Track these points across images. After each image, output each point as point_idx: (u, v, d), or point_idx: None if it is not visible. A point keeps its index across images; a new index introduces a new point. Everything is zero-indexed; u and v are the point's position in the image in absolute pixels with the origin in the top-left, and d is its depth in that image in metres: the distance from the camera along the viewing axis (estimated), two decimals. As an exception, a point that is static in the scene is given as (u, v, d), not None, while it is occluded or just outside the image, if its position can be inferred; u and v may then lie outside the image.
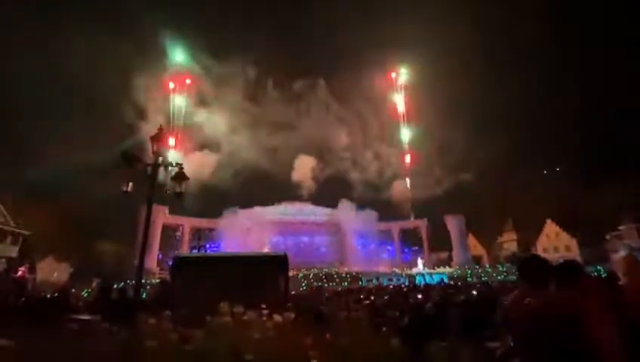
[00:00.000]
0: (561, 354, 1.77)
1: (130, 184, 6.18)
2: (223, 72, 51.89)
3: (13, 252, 30.21)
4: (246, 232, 35.40)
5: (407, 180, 53.34)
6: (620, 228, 44.40)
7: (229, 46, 54.27)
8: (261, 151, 51.47)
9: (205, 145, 48.59)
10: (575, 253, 44.81)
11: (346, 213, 43.25)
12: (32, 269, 28.76)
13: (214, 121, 50.34)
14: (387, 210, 46.34)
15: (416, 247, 47.24)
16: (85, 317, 2.66)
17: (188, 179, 6.35)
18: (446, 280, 29.22)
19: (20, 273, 21.44)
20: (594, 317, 1.71)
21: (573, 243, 47.65)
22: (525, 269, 2.20)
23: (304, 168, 50.69)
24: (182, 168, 6.41)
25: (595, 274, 20.74)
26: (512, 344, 2.35)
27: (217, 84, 51.82)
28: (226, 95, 51.83)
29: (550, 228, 50.57)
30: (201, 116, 50.50)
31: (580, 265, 2.32)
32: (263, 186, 44.87)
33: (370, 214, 44.37)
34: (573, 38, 67.73)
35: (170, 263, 6.26)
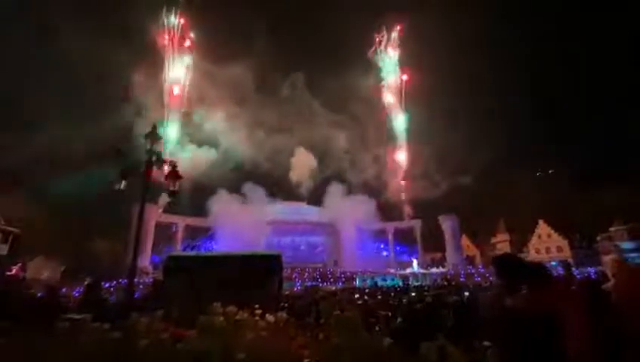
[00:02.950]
0: (536, 353, 1.79)
1: (124, 182, 6.12)
2: (216, 72, 51.42)
3: (3, 250, 29.78)
4: (240, 231, 35.23)
5: (403, 182, 53.39)
6: (611, 229, 45.07)
7: (223, 47, 53.41)
8: (258, 151, 51.02)
9: (201, 143, 48.15)
10: (567, 254, 45.39)
11: (341, 210, 42.91)
12: (23, 268, 28.36)
13: (210, 120, 49.98)
14: (382, 210, 46.37)
15: (411, 247, 47.48)
16: (76, 316, 2.63)
17: (182, 177, 6.31)
18: (439, 280, 29.45)
19: (14, 271, 21.10)
20: (566, 317, 1.72)
21: (565, 244, 48.23)
22: (500, 268, 2.19)
23: (302, 165, 50.26)
24: (176, 166, 6.37)
25: (586, 275, 21.06)
26: (489, 343, 2.37)
27: (212, 84, 51.39)
28: (221, 96, 51.41)
29: (542, 229, 51.15)
30: (198, 114, 50.09)
31: (569, 264, 2.35)
32: (259, 185, 44.43)
33: (368, 204, 43.79)
34: (569, 40, 68.56)
35: (163, 262, 6.23)
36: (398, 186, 53.29)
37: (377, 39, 59.00)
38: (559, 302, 1.79)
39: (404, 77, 56.59)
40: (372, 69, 59.07)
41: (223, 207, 38.96)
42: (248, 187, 42.25)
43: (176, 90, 48.34)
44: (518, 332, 1.82)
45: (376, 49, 59.04)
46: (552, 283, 2.07)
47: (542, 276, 2.08)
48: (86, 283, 5.70)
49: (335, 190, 45.95)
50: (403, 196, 52.32)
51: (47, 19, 47.26)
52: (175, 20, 49.37)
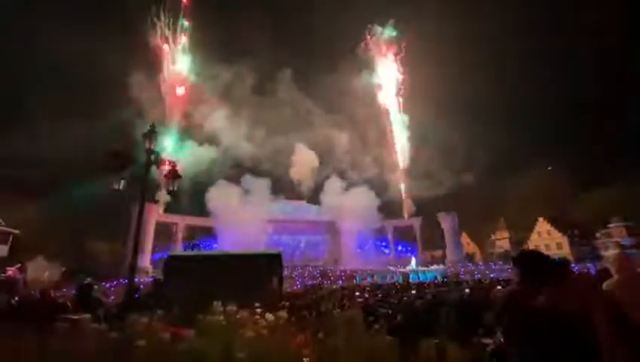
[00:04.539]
0: (560, 351, 1.76)
1: (123, 182, 6.10)
2: (215, 71, 51.13)
3: (3, 251, 29.74)
4: (241, 230, 35.20)
5: (403, 181, 53.22)
6: (609, 226, 45.16)
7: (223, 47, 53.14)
8: (258, 150, 50.55)
9: (201, 141, 47.81)
10: (566, 251, 45.48)
11: (341, 204, 42.63)
12: (22, 269, 28.31)
13: (210, 119, 49.66)
14: (382, 209, 46.27)
15: (411, 245, 47.52)
16: (74, 316, 2.62)
17: (181, 177, 6.30)
18: (439, 278, 29.55)
19: (9, 273, 21.05)
20: (598, 314, 1.70)
21: (565, 241, 48.34)
22: (524, 265, 2.12)
23: (303, 162, 49.74)
24: (175, 165, 6.35)
25: (586, 271, 21.12)
26: (502, 339, 2.36)
27: (211, 83, 51.15)
28: (221, 95, 51.15)
29: (542, 226, 51.25)
30: (198, 113, 49.82)
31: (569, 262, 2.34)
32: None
33: (369, 196, 43.37)
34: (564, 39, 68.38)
35: (164, 261, 6.23)
36: (398, 184, 53.20)
37: (371, 35, 58.54)
38: (593, 299, 1.77)
39: (401, 74, 56.39)
40: (370, 67, 58.78)
41: (221, 198, 38.37)
42: (248, 180, 41.52)
43: (175, 89, 48.23)
44: (554, 331, 1.78)
45: (368, 45, 58.60)
46: (579, 279, 2.04)
47: (568, 272, 2.06)
48: (78, 284, 5.70)
49: (333, 183, 45.67)
50: (403, 194, 52.27)
51: (43, 18, 47.00)
52: (171, 18, 49.20)
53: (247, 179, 41.64)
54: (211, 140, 47.57)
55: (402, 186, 52.88)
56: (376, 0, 64.13)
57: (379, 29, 58.13)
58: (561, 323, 1.75)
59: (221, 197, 38.51)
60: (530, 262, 2.09)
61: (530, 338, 1.89)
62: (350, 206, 41.70)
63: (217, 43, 52.61)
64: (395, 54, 57.20)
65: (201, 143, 46.70)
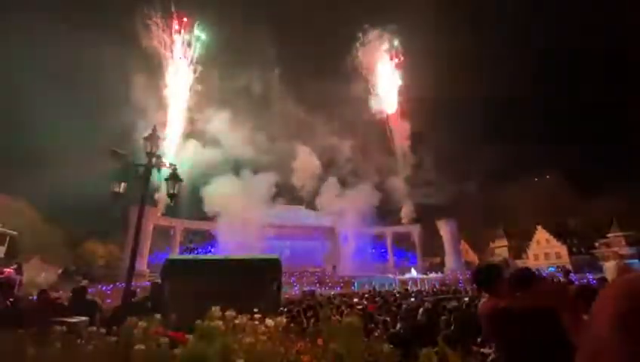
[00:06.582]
0: (533, 348, 1.86)
1: (123, 185, 6.09)
2: (217, 78, 51.24)
3: (0, 252, 29.56)
4: (240, 234, 35.08)
5: (403, 188, 53.10)
6: (608, 235, 45.09)
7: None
8: (259, 156, 50.37)
9: (203, 145, 47.62)
10: (565, 260, 45.33)
11: (340, 204, 42.47)
12: (19, 270, 28.11)
13: (212, 123, 49.58)
14: (381, 215, 46.21)
15: (410, 252, 47.35)
16: (72, 319, 2.60)
17: (182, 180, 6.29)
18: (437, 285, 29.42)
19: (5, 273, 20.97)
20: (561, 308, 1.78)
21: (564, 249, 48.19)
22: (480, 277, 2.29)
23: (304, 166, 49.51)
24: (176, 169, 6.35)
25: (585, 281, 21.03)
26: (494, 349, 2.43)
27: (213, 89, 51.20)
28: (223, 101, 51.14)
29: (541, 234, 51.13)
30: (200, 116, 49.78)
31: (568, 270, 2.40)
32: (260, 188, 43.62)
33: (368, 193, 43.37)
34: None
35: (162, 265, 6.19)
36: (398, 191, 53.09)
37: (365, 40, 58.69)
38: (552, 296, 1.84)
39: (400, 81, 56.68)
40: (370, 73, 58.84)
41: (220, 194, 38.10)
42: (248, 177, 41.28)
43: (177, 92, 48.31)
44: (519, 331, 1.89)
45: (367, 52, 58.75)
46: (540, 281, 2.17)
47: (527, 279, 2.27)
48: (73, 287, 5.66)
49: (331, 185, 45.53)
50: (402, 201, 52.21)
51: (43, 19, 47.04)
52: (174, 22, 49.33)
53: (247, 176, 41.37)
54: (213, 143, 47.52)
55: (402, 193, 52.84)
56: (375, 7, 64.63)
57: (374, 32, 58.24)
58: (524, 321, 1.86)
59: (219, 191, 38.11)
60: (486, 275, 2.27)
61: (500, 338, 2.06)
62: (348, 206, 41.63)
63: (218, 51, 52.64)
64: (393, 60, 57.48)
65: (203, 146, 46.64)
